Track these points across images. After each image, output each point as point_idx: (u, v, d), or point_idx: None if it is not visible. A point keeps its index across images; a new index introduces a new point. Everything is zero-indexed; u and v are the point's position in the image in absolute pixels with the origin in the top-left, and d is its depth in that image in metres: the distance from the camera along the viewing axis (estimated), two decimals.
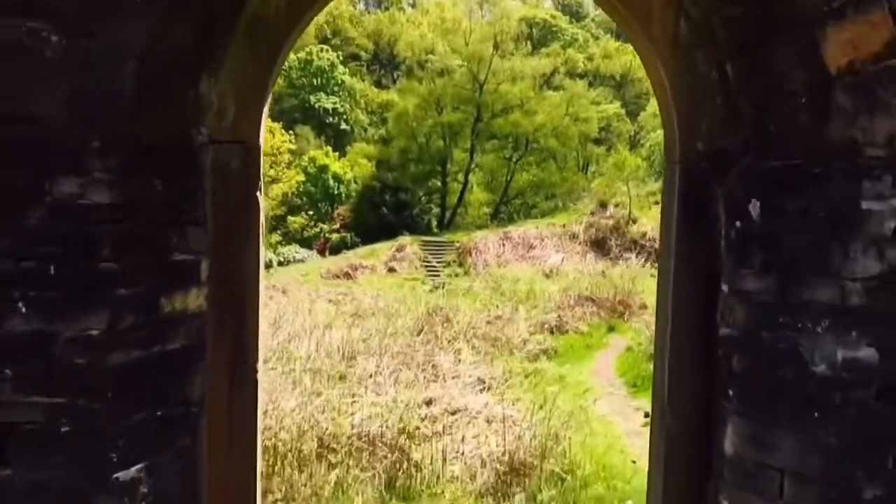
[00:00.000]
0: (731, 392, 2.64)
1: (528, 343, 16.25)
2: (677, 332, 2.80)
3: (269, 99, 2.85)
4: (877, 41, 2.20)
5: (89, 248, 2.09)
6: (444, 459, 7.84)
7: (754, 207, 2.55)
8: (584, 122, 45.13)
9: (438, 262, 31.43)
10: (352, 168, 46.83)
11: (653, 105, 38.00)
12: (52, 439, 2.11)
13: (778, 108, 2.46)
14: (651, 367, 3.74)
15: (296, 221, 43.27)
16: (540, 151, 44.78)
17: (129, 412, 2.21)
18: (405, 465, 7.50)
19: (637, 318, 17.71)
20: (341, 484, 6.67)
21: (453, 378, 12.81)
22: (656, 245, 19.52)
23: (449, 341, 15.04)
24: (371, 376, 11.79)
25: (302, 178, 43.86)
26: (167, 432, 2.36)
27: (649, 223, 29.76)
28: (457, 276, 28.68)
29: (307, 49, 52.24)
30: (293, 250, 36.51)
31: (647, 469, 3.15)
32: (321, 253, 36.97)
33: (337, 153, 48.41)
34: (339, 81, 54.93)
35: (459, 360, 13.84)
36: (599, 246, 31.64)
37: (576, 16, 62.48)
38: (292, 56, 54.54)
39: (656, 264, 4.80)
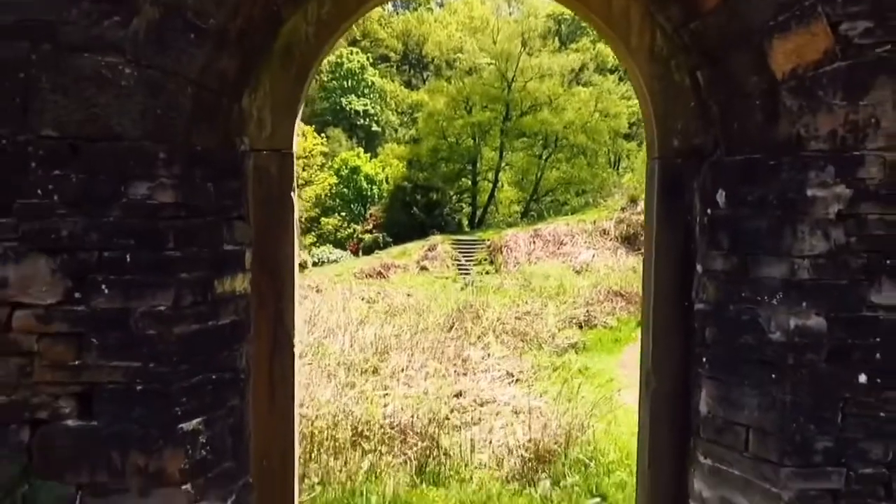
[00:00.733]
0: (704, 359, 3.02)
1: (556, 337, 16.37)
2: (659, 308, 3.17)
3: (301, 110, 3.29)
4: (817, 50, 2.56)
5: (157, 239, 2.55)
6: (473, 448, 8.06)
7: (721, 196, 2.92)
8: (613, 118, 44.95)
9: (469, 261, 31.75)
10: (383, 169, 47.38)
11: None
12: (130, 396, 2.58)
13: (739, 109, 2.83)
14: None
15: (329, 223, 44.05)
16: (570, 148, 44.72)
17: (189, 375, 2.66)
18: (435, 453, 7.69)
19: None
20: (374, 469, 6.93)
21: (483, 371, 13.01)
22: None
23: (479, 336, 15.25)
24: (403, 370, 12.10)
25: (334, 179, 44.60)
26: (220, 393, 2.82)
27: None
28: (487, 273, 28.92)
29: (337, 52, 53.07)
30: (327, 251, 37.18)
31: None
32: (354, 253, 37.57)
33: (368, 154, 49.09)
34: (370, 83, 55.61)
35: (489, 355, 14.06)
36: (630, 242, 31.54)
37: None
38: (328, 55, 55.23)
39: None
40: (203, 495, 2.69)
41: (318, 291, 22.35)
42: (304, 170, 39.04)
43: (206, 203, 2.72)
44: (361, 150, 49.47)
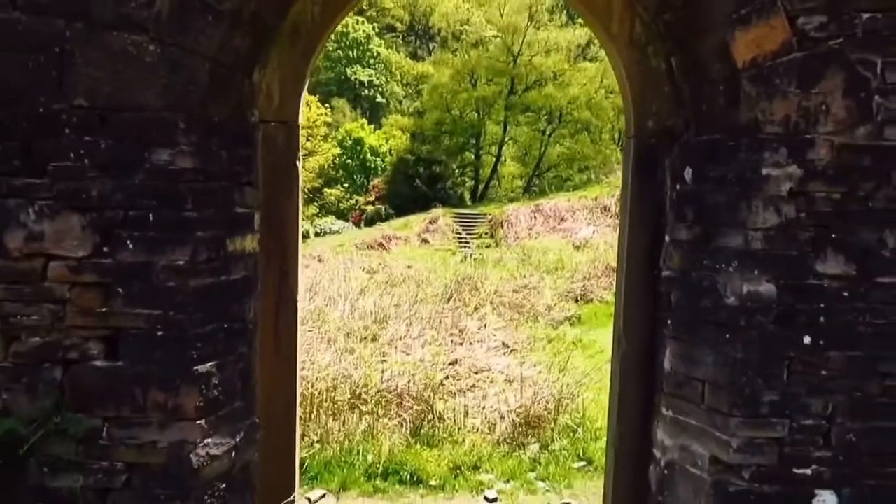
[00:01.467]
0: (669, 321, 3.32)
1: (552, 310, 16.62)
2: (632, 275, 3.47)
3: (307, 84, 3.56)
4: (775, 41, 2.83)
5: (177, 201, 2.84)
6: (466, 413, 8.32)
7: (688, 173, 3.21)
8: (619, 95, 44.65)
9: (470, 234, 32.01)
10: (387, 140, 47.42)
11: None
12: (151, 340, 2.90)
13: (705, 93, 3.10)
14: None
15: (332, 193, 44.22)
16: (574, 124, 44.63)
17: (204, 323, 2.97)
18: (430, 416, 7.93)
19: None
20: (371, 430, 7.18)
21: (479, 342, 13.24)
22: None
23: (476, 308, 15.53)
24: (401, 338, 12.40)
25: (338, 150, 44.69)
26: (230, 341, 3.13)
27: None
28: (488, 247, 29.15)
29: (343, 21, 52.66)
30: (329, 222, 37.42)
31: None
32: (356, 224, 37.82)
33: (372, 126, 49.07)
34: (375, 53, 55.31)
35: (485, 326, 14.34)
36: None
37: None
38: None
39: None
40: (215, 430, 3.02)
41: (319, 261, 22.65)
42: (307, 140, 39.12)
43: (220, 169, 3.00)
44: (365, 121, 49.45)
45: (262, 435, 3.38)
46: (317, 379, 8.67)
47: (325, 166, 43.72)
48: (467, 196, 44.96)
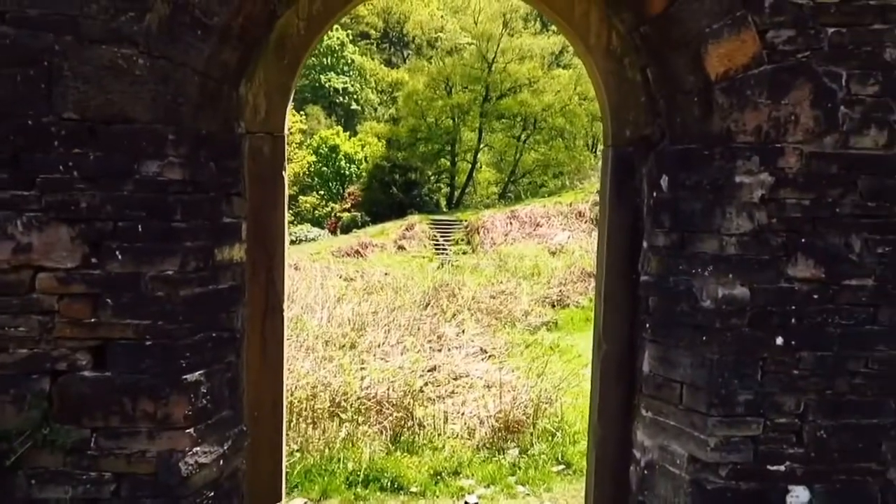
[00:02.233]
0: (647, 325, 3.42)
1: (529, 316, 16.75)
2: (610, 281, 3.57)
3: (292, 96, 3.61)
4: (746, 55, 2.95)
5: (166, 212, 2.88)
6: (446, 419, 8.34)
7: (664, 181, 3.32)
8: (592, 101, 45.28)
9: (446, 241, 32.11)
10: (362, 148, 47.38)
11: None
12: (140, 350, 2.92)
13: (680, 104, 3.22)
14: None
15: (307, 201, 44.04)
16: (548, 130, 45.04)
17: (193, 332, 3.00)
18: (410, 423, 7.91)
19: None
20: (351, 438, 7.17)
21: (457, 348, 13.27)
22: None
23: (454, 314, 15.58)
24: (379, 345, 12.40)
25: (313, 158, 44.55)
26: (219, 349, 3.16)
27: None
28: (465, 253, 29.27)
29: None
30: (305, 229, 37.23)
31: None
32: (332, 232, 37.71)
33: (347, 133, 49.00)
34: (350, 61, 55.27)
35: (463, 332, 14.38)
36: None
37: None
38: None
39: None
40: (204, 438, 3.05)
41: (296, 269, 22.53)
42: None
43: (208, 180, 3.04)
44: (340, 128, 49.36)
45: (249, 442, 3.41)
46: (296, 387, 8.62)
47: (301, 174, 43.54)
48: (443, 203, 45.09)
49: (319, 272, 22.06)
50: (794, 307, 3.07)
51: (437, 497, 5.91)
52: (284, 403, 3.57)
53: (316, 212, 43.51)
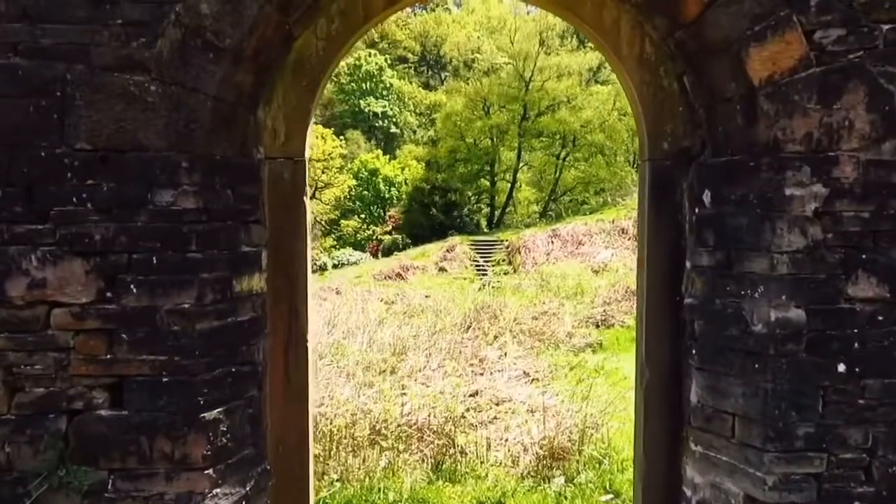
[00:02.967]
0: (693, 351, 3.18)
1: (573, 337, 16.42)
2: (652, 303, 3.34)
3: (312, 120, 3.51)
4: (792, 57, 2.73)
5: (181, 242, 2.78)
6: (489, 446, 8.17)
7: (706, 196, 3.09)
8: (631, 116, 44.78)
9: (487, 261, 31.91)
10: (402, 170, 47.71)
11: None
12: (157, 387, 2.81)
13: (721, 113, 3.00)
14: None
15: (349, 225, 44.46)
16: (588, 147, 44.64)
17: (211, 368, 2.88)
18: (451, 451, 7.75)
19: None
20: (392, 467, 7.07)
21: (499, 371, 13.07)
22: None
23: (496, 337, 15.36)
24: (420, 370, 12.26)
25: (353, 182, 44.99)
26: (239, 385, 3.03)
27: None
28: (506, 274, 29.02)
29: (356, 54, 53.44)
30: (347, 253, 37.54)
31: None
32: (374, 255, 37.89)
33: (387, 156, 49.43)
34: (388, 85, 55.96)
35: (505, 354, 14.16)
36: None
37: None
38: (341, 63, 55.80)
39: None
40: (224, 479, 2.91)
41: (337, 293, 22.64)
42: (323, 172, 39.48)
43: (225, 208, 2.94)
44: (380, 151, 49.85)
45: (273, 481, 3.26)
46: (335, 415, 8.55)
47: (342, 198, 44.00)
48: (484, 223, 44.97)
49: (360, 296, 22.10)
50: (856, 330, 2.80)
51: None
52: (311, 439, 3.42)
53: (357, 235, 43.84)
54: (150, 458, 2.81)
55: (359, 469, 7.08)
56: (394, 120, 56.04)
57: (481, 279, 27.76)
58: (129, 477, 2.81)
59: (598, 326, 17.74)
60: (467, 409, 9.86)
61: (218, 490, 2.87)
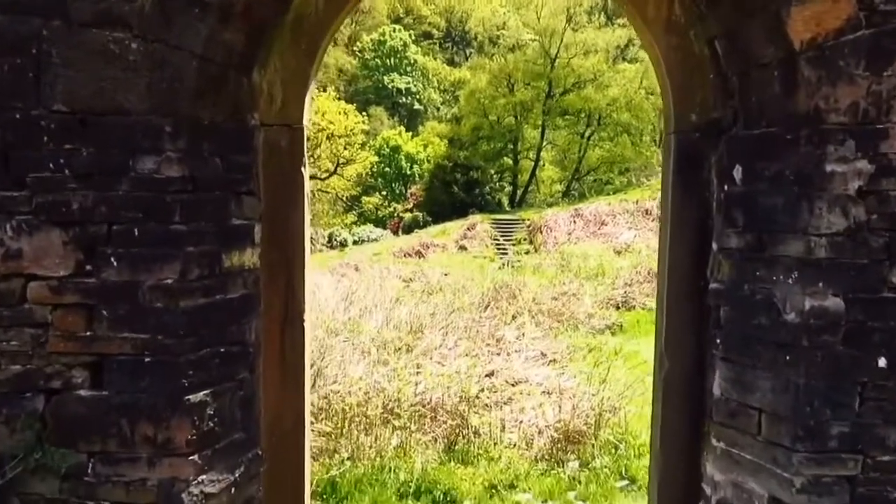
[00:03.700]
0: (718, 340, 2.94)
1: (592, 318, 16.21)
2: (674, 287, 3.09)
3: (313, 86, 3.29)
4: (838, 17, 2.44)
5: (164, 213, 2.57)
6: (503, 427, 8.05)
7: (737, 172, 2.82)
8: (659, 95, 43.92)
9: (508, 240, 31.64)
10: (424, 147, 47.41)
11: None
12: (139, 368, 2.63)
13: (756, 80, 2.72)
14: None
15: (370, 202, 44.37)
16: (613, 126, 43.93)
17: (196, 348, 2.69)
18: (464, 431, 7.66)
19: None
20: (404, 446, 6.99)
21: (516, 352, 12.93)
22: None
23: (514, 316, 15.19)
24: (436, 349, 12.14)
25: (375, 158, 44.81)
26: (228, 366, 2.85)
27: None
28: (527, 253, 28.78)
29: (380, 30, 52.99)
30: (367, 230, 37.51)
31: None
32: (394, 232, 37.82)
33: (410, 133, 49.12)
34: (412, 61, 55.51)
35: (523, 335, 13.98)
36: None
37: None
38: (365, 38, 55.40)
39: None
40: (211, 465, 2.74)
41: (356, 270, 22.59)
42: (345, 148, 39.31)
43: (213, 177, 2.73)
44: (403, 128, 49.55)
45: (267, 466, 3.09)
46: (349, 393, 8.45)
47: (363, 174, 43.85)
48: (505, 202, 44.59)
49: (379, 273, 22.02)
50: None
51: None
52: (307, 422, 3.24)
53: (378, 212, 43.75)
54: (132, 442, 2.64)
55: (370, 448, 7.00)
56: (417, 96, 55.60)
57: (501, 258, 27.54)
58: (110, 461, 2.65)
59: (618, 308, 17.51)
60: (482, 390, 9.74)
61: (204, 476, 2.70)
